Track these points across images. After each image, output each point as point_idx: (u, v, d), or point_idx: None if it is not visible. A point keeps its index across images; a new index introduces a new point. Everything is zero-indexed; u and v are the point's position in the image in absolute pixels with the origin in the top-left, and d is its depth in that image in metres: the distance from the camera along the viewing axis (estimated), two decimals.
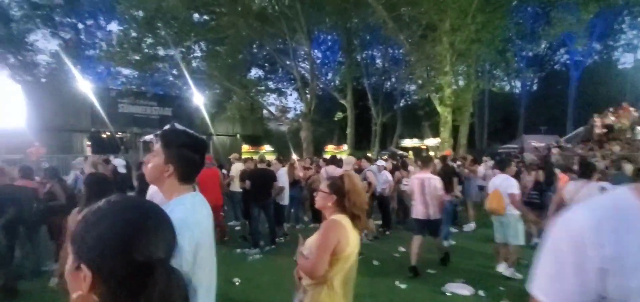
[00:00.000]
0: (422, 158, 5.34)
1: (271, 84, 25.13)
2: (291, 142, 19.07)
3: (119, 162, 7.45)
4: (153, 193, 2.24)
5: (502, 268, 4.67)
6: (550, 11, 17.82)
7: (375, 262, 4.98)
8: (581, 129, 16.14)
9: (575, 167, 6.80)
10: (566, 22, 15.11)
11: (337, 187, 1.99)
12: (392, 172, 7.63)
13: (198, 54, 18.97)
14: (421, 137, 26.14)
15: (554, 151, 13.46)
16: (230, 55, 16.98)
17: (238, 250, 5.85)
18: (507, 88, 30.00)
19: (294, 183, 7.37)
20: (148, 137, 16.39)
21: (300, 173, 8.35)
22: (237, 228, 7.13)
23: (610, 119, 14.25)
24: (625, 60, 26.26)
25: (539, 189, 6.16)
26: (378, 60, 26.88)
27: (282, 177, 6.59)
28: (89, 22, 28.29)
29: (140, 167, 6.54)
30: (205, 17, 17.63)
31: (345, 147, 22.61)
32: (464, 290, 4.17)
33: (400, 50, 23.29)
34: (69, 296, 0.68)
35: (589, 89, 22.53)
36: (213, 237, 1.30)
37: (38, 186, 5.02)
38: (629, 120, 13.69)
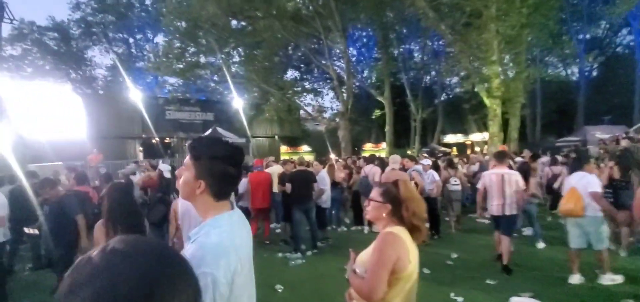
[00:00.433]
0: (497, 154, 5.18)
1: (307, 84, 25.23)
2: (329, 141, 18.91)
3: (164, 167, 7.72)
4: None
5: (576, 279, 4.10)
6: None
7: (426, 271, 4.60)
8: None
9: None
10: None
11: (392, 195, 1.73)
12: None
13: (236, 59, 19.56)
14: (466, 133, 24.73)
15: (623, 142, 11.97)
16: (266, 58, 17.25)
17: (280, 254, 5.75)
18: (562, 75, 27.47)
19: (334, 184, 7.15)
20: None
21: (341, 174, 8.13)
22: (278, 231, 7.07)
23: None
24: None
25: (614, 186, 5.39)
26: (416, 54, 25.96)
27: (324, 179, 6.39)
28: (138, 36, 30.41)
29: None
30: (243, 23, 18.06)
31: (383, 145, 22.06)
32: None
33: (440, 42, 22.29)
34: None
35: None
36: (252, 261, 1.14)
37: (91, 190, 5.27)
38: None
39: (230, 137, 17.51)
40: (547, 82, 24.74)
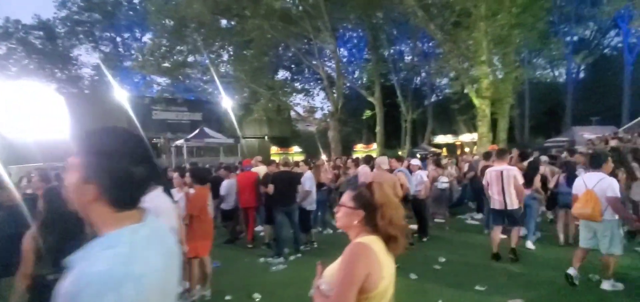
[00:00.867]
0: (498, 151, 5.42)
1: (298, 85, 24.98)
2: (320, 142, 18.71)
3: None
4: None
5: (572, 271, 3.94)
6: None
7: (413, 276, 4.40)
8: None
9: None
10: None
11: (366, 200, 1.48)
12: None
13: (225, 58, 19.21)
14: (455, 133, 24.77)
15: (612, 142, 12.01)
16: (256, 58, 16.95)
17: (261, 259, 5.48)
18: (550, 77, 27.73)
19: (320, 186, 6.93)
20: (179, 142, 16.80)
21: (329, 175, 7.92)
22: (262, 234, 6.82)
23: None
24: None
25: None
26: (406, 55, 25.96)
27: (308, 180, 6.16)
28: (126, 35, 29.78)
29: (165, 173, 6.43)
30: (232, 22, 17.74)
31: (374, 145, 21.94)
32: None
33: (430, 43, 22.27)
34: None
35: None
36: (175, 291, 0.88)
37: None
38: None
39: (219, 137, 17.19)
40: (536, 83, 24.89)
